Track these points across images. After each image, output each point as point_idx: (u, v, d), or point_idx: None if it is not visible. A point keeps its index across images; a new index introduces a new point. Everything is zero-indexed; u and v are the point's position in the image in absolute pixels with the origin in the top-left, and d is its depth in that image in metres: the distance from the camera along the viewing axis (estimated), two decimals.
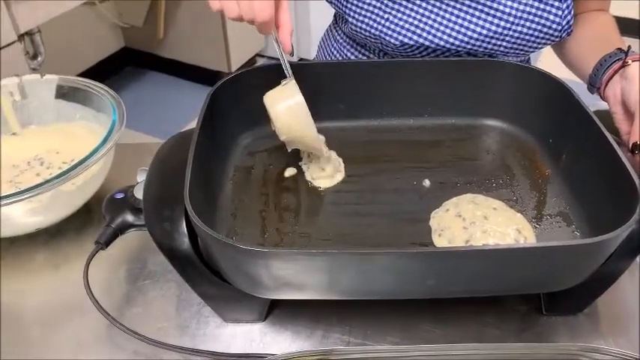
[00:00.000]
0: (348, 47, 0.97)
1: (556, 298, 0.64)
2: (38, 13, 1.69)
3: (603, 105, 0.78)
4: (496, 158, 0.78)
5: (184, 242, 0.57)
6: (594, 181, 0.66)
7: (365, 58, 0.95)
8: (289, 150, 0.76)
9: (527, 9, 0.80)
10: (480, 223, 0.66)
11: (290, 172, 0.76)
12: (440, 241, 0.65)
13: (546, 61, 1.00)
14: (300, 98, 0.69)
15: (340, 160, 0.78)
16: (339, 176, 0.76)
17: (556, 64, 0.92)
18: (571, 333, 0.64)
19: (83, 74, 2.43)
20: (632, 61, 0.73)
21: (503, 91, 0.80)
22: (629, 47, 0.75)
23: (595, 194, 0.66)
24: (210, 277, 0.60)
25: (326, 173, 0.75)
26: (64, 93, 0.87)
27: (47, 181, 0.68)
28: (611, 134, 0.64)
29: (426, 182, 0.74)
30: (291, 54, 0.69)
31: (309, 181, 0.75)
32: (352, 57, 0.96)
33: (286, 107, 0.69)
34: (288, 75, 0.70)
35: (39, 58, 1.83)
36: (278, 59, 0.70)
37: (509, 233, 0.65)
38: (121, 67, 2.93)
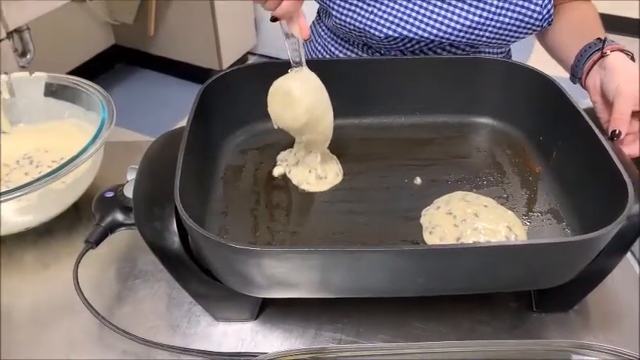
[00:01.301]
0: (332, 42, 0.97)
1: (547, 295, 0.64)
2: (27, 10, 1.68)
3: None
4: (487, 156, 0.78)
5: (175, 241, 0.57)
6: (584, 178, 0.66)
7: (349, 52, 0.95)
8: (298, 141, 0.75)
9: None
10: (470, 220, 0.66)
11: (278, 171, 0.76)
12: (431, 239, 0.65)
13: (537, 58, 1.01)
14: (318, 78, 0.69)
15: (336, 159, 0.77)
16: (340, 178, 0.75)
17: (547, 61, 0.93)
18: (562, 330, 0.65)
19: (73, 72, 2.43)
20: (611, 51, 0.74)
21: (494, 89, 0.80)
22: (606, 38, 0.76)
23: (585, 191, 0.66)
24: (200, 275, 0.60)
25: (328, 180, 0.74)
26: (53, 91, 0.86)
27: (36, 180, 0.68)
28: (600, 131, 0.64)
29: (418, 180, 0.74)
30: (308, 38, 0.69)
31: (298, 186, 0.74)
32: (336, 52, 0.97)
33: (310, 84, 0.69)
34: (295, 62, 0.69)
35: (28, 56, 1.82)
36: (270, 57, 0.70)
37: (500, 230, 0.65)
38: (112, 65, 2.91)
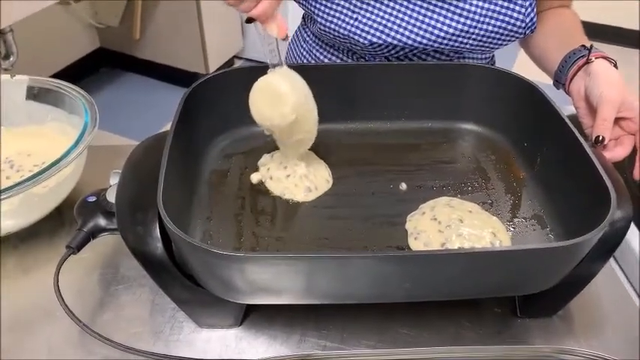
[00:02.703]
0: (317, 47, 0.97)
1: (531, 300, 0.64)
2: (10, 11, 1.66)
3: None
4: (472, 162, 0.78)
5: (158, 247, 0.56)
6: (568, 184, 0.67)
7: (334, 57, 0.96)
8: (283, 148, 0.74)
9: (492, 7, 0.82)
10: (455, 226, 0.66)
11: (257, 177, 0.75)
12: (416, 245, 0.65)
13: (522, 64, 1.02)
14: (299, 75, 0.69)
15: (325, 165, 0.77)
16: (329, 184, 0.75)
17: (532, 68, 0.94)
18: (545, 335, 0.65)
19: (58, 75, 2.41)
20: (596, 58, 0.76)
21: (478, 95, 0.81)
22: (592, 45, 0.77)
23: (569, 197, 0.66)
24: (184, 281, 0.59)
25: (319, 190, 0.73)
26: (34, 94, 0.85)
27: (18, 184, 0.67)
28: (584, 138, 0.65)
29: (403, 185, 0.74)
30: (286, 38, 0.68)
31: (281, 196, 0.73)
32: (321, 57, 0.97)
33: (294, 81, 0.68)
34: (273, 63, 0.69)
35: (11, 58, 1.80)
36: (256, 61, 0.69)
37: (484, 236, 0.65)
38: (97, 68, 2.89)
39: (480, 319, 0.66)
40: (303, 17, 1.02)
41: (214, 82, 0.76)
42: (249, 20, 0.66)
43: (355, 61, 0.93)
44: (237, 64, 2.91)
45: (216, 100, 0.76)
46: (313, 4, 0.88)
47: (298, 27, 1.05)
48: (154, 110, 2.59)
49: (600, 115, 0.71)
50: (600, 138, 0.70)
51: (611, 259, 0.74)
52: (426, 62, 0.88)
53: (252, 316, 0.66)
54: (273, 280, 0.55)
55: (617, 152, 0.72)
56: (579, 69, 0.77)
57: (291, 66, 0.70)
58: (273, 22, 0.66)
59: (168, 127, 0.66)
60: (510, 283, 0.59)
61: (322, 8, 0.87)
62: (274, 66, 0.69)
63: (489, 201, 0.72)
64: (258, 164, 0.77)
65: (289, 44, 1.06)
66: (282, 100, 0.67)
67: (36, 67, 2.06)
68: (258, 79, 0.69)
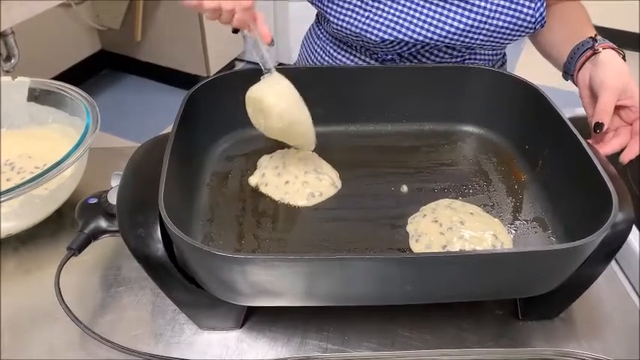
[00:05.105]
0: (331, 45, 0.98)
1: (532, 303, 0.64)
2: (12, 14, 1.66)
3: (579, 112, 0.79)
4: (473, 164, 0.78)
5: (159, 249, 0.56)
6: (569, 186, 0.67)
7: (347, 54, 0.97)
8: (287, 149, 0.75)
9: (502, 2, 0.82)
10: (456, 228, 0.66)
11: (254, 180, 0.74)
12: (417, 247, 0.65)
13: (525, 65, 1.02)
14: (288, 82, 0.69)
15: (335, 171, 0.77)
16: (336, 188, 0.75)
17: (534, 68, 0.94)
18: (547, 337, 0.65)
19: (59, 77, 2.41)
20: (603, 49, 0.77)
21: (480, 98, 0.81)
22: (597, 35, 0.79)
23: (570, 200, 0.66)
24: (185, 283, 0.59)
25: (320, 198, 0.73)
26: (36, 96, 0.85)
27: (18, 186, 0.67)
28: (585, 140, 0.65)
29: (404, 188, 0.74)
30: (272, 43, 0.69)
31: (280, 201, 0.73)
32: (335, 54, 0.98)
33: (279, 90, 0.69)
34: (266, 68, 0.70)
35: (12, 60, 1.80)
36: (257, 63, 0.70)
37: (486, 238, 0.65)
38: (98, 70, 2.89)
39: (481, 321, 0.66)
40: (317, 15, 1.03)
41: (216, 85, 0.76)
42: (235, 31, 0.68)
43: (367, 57, 0.93)
44: (239, 66, 2.91)
45: (217, 102, 0.76)
46: (325, 3, 0.89)
47: (312, 25, 1.06)
48: (155, 112, 2.59)
49: (600, 101, 0.71)
50: (600, 124, 0.70)
51: (613, 262, 0.74)
52: (428, 64, 0.89)
53: (253, 318, 0.66)
54: (274, 282, 0.55)
55: (613, 144, 0.72)
56: (587, 60, 0.78)
57: (288, 69, 0.70)
58: (255, 28, 0.68)
59: (169, 129, 0.66)
60: (512, 286, 0.59)
61: (334, 7, 0.88)
62: (267, 70, 0.70)
63: (491, 203, 0.72)
64: (257, 164, 0.77)
65: (302, 42, 1.07)
66: (267, 111, 0.69)
67: (37, 69, 2.07)
68: (249, 89, 0.70)
